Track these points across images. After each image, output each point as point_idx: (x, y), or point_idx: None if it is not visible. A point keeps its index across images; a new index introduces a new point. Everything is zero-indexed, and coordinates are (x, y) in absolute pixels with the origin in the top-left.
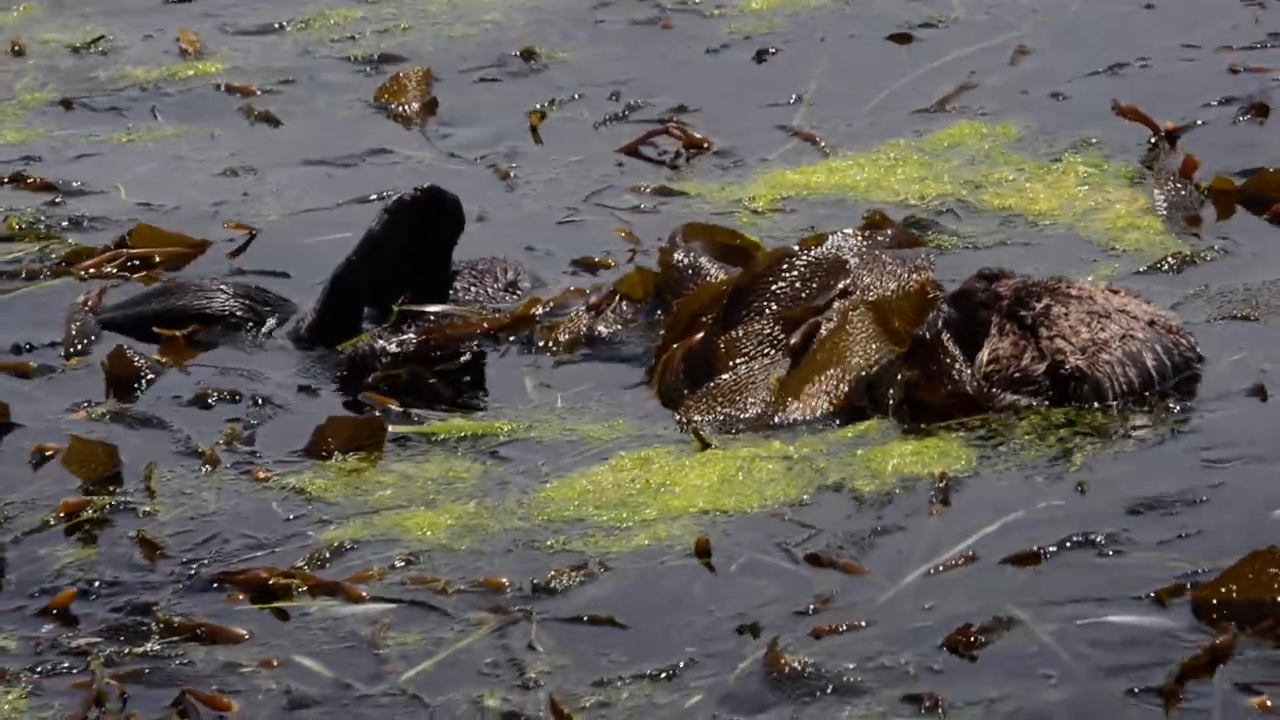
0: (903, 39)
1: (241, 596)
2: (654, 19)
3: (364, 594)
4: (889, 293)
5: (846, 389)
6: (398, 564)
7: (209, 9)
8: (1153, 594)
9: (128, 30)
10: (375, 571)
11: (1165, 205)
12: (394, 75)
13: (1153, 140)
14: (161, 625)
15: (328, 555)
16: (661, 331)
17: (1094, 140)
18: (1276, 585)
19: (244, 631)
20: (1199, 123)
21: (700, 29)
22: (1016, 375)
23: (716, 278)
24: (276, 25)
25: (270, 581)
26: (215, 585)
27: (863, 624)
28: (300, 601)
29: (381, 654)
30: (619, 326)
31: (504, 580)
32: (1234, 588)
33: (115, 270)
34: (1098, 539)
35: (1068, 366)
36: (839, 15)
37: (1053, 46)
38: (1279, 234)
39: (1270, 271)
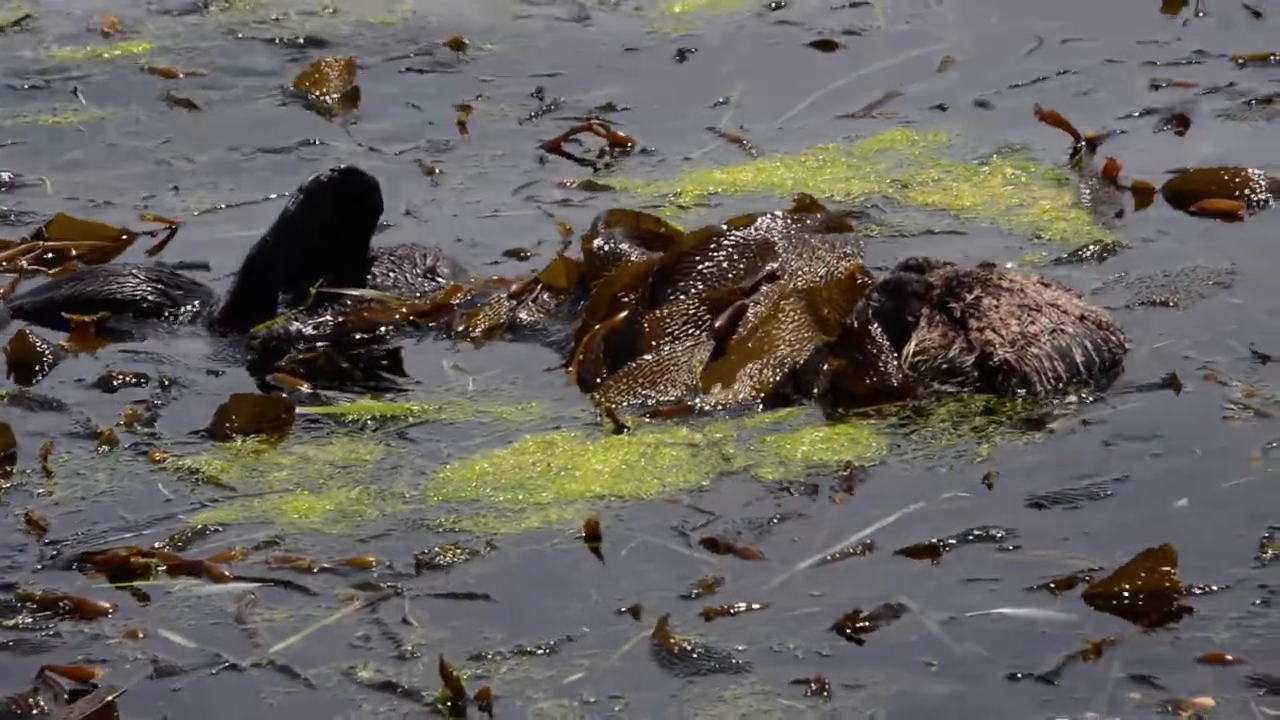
0: (826, 46)
1: (102, 575)
2: (576, 15)
3: (226, 573)
4: (818, 279)
5: (771, 376)
6: (262, 544)
7: None
8: (1046, 587)
9: (52, 9)
10: (238, 551)
11: (1089, 200)
12: (315, 63)
13: (1075, 147)
14: (25, 600)
15: (190, 536)
16: (582, 312)
17: (1019, 146)
18: (1168, 583)
19: (107, 605)
20: (1119, 131)
21: (620, 26)
22: (944, 366)
23: None
24: (200, 5)
25: (130, 560)
26: (76, 565)
27: (753, 608)
28: (161, 580)
29: (249, 628)
30: (542, 315)
31: (371, 559)
32: (1125, 585)
33: (29, 263)
34: (997, 533)
35: (996, 359)
36: (759, 21)
37: (976, 58)
38: (1199, 226)
39: (1189, 260)
